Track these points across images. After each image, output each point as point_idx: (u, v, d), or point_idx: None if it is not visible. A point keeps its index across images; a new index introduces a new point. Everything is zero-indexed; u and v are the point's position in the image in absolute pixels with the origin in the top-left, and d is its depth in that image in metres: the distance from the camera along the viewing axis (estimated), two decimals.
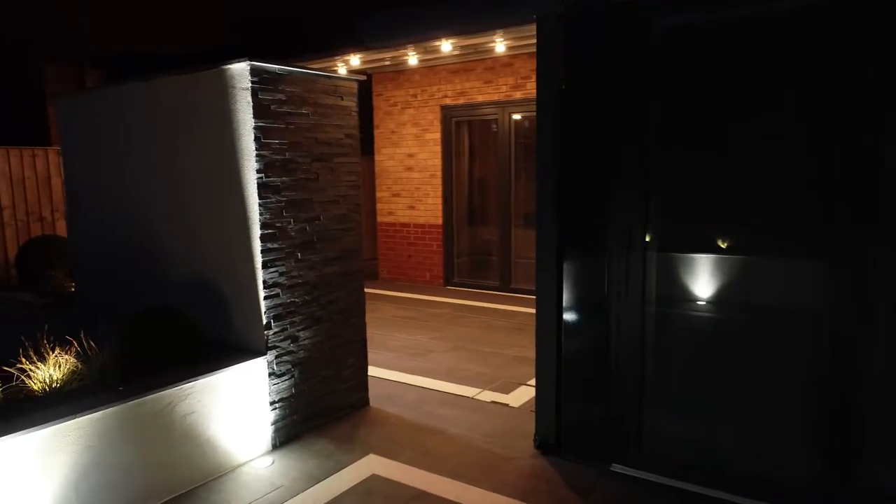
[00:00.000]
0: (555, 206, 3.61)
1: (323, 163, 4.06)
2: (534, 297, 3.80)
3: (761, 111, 3.02)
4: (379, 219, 9.61)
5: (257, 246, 3.69)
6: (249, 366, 3.67)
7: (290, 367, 3.93)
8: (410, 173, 9.18)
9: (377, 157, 9.49)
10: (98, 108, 4.64)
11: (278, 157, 3.76)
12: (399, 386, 4.94)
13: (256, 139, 3.63)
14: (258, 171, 3.64)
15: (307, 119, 3.92)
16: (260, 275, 3.71)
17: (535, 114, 3.71)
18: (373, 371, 5.23)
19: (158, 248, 4.30)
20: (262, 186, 3.67)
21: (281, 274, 3.82)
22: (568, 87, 3.47)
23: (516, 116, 8.27)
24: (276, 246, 3.78)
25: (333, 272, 4.19)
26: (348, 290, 4.31)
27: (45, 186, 7.04)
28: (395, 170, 9.34)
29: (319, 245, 4.07)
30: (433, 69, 8.72)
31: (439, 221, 9.00)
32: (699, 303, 3.28)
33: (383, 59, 8.20)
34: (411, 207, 9.24)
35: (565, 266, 3.60)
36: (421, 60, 8.26)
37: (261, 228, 3.68)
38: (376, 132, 9.43)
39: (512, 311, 7.44)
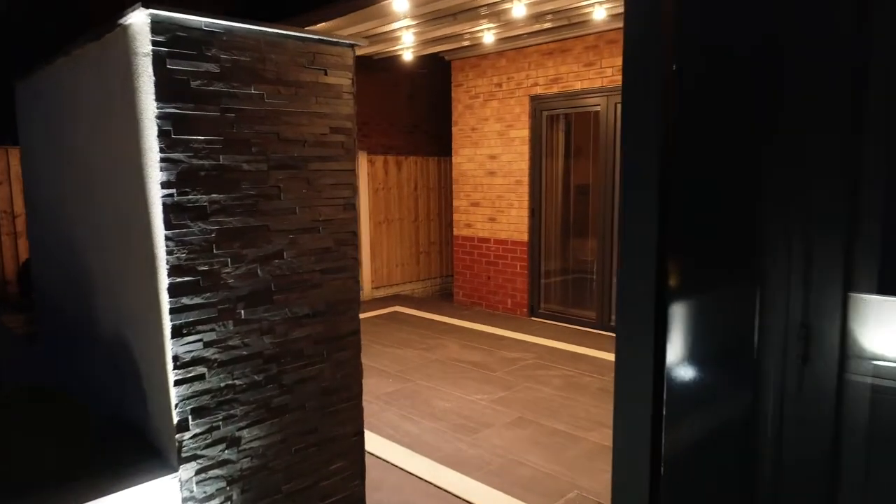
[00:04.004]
0: (657, 217, 1.93)
1: (290, 171, 2.65)
2: None
3: None
4: (455, 231, 8.15)
5: (164, 301, 2.35)
6: (142, 491, 2.33)
7: (224, 484, 2.56)
8: (492, 178, 7.63)
9: (455, 160, 8.03)
10: (43, 92, 3.53)
11: (204, 162, 2.39)
12: (421, 490, 3.45)
13: (163, 134, 2.28)
14: (165, 185, 2.30)
15: (261, 103, 2.53)
16: (168, 347, 2.36)
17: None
18: (392, 454, 3.78)
19: (93, 291, 3.09)
20: (172, 208, 2.32)
21: (207, 344, 2.46)
22: (686, 54, 1.81)
23: None
24: (198, 301, 2.42)
25: (306, 336, 2.77)
26: (333, 361, 2.89)
27: None
28: (474, 174, 7.83)
29: (280, 296, 2.67)
30: (521, 51, 7.11)
31: (524, 237, 7.39)
32: None
33: (461, 38, 6.73)
34: (492, 219, 7.69)
35: (672, 308, 1.91)
36: (502, 39, 6.70)
37: (170, 275, 2.33)
38: (454, 129, 7.98)
39: (607, 360, 5.71)
